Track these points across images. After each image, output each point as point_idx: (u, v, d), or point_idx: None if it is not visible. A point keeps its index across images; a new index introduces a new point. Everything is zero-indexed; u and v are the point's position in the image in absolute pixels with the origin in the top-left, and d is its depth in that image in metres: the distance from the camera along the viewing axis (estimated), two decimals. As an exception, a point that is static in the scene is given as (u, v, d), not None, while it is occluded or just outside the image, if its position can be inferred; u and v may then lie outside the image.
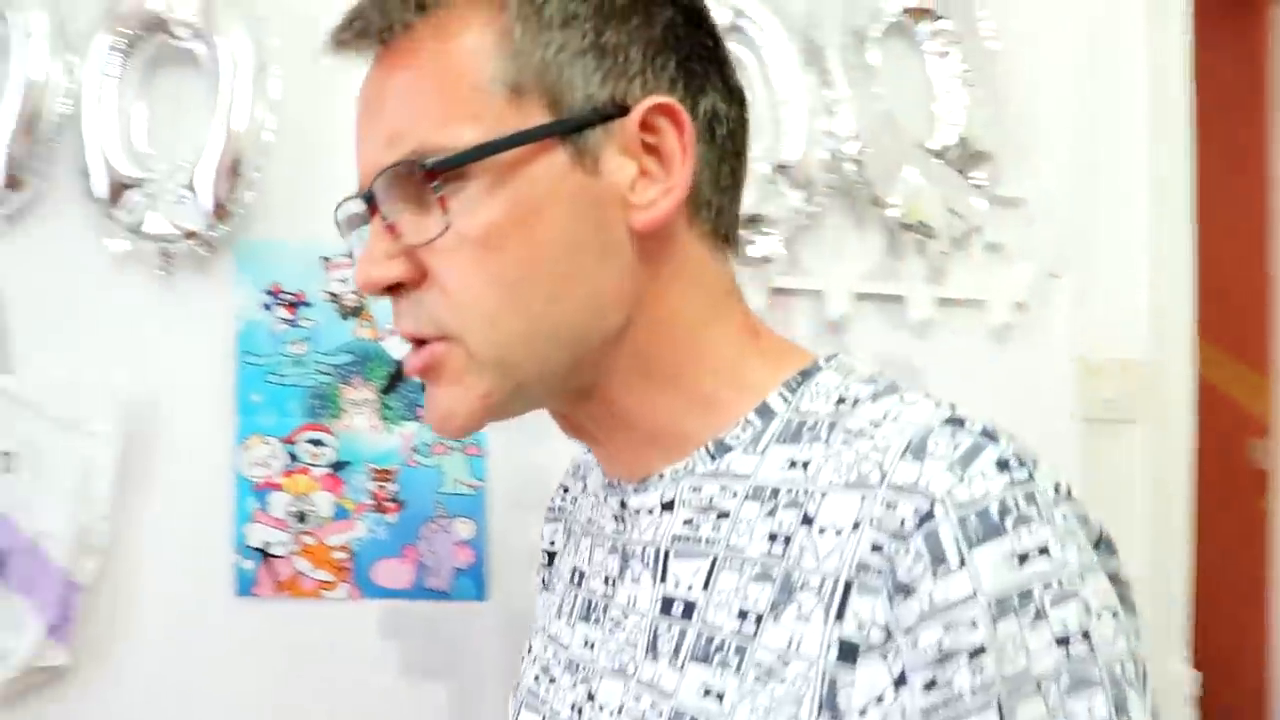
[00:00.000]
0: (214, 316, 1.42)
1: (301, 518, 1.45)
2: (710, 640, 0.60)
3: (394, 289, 0.64)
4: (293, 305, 1.46)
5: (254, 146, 1.38)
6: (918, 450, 0.56)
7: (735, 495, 0.63)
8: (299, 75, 1.36)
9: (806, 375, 0.66)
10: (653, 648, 0.63)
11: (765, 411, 0.65)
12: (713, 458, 0.65)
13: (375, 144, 0.63)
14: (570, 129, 0.61)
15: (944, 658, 0.51)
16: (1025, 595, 0.51)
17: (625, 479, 0.70)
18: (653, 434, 0.67)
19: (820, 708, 0.54)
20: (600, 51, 0.61)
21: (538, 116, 0.61)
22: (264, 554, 1.43)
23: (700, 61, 0.65)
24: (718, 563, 0.62)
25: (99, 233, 1.37)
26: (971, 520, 0.53)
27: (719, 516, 0.63)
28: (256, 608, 1.41)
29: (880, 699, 0.53)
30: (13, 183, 1.35)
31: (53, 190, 1.36)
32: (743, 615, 0.59)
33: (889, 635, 0.53)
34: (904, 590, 0.53)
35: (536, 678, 0.75)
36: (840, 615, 0.55)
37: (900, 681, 0.52)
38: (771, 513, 0.60)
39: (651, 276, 0.64)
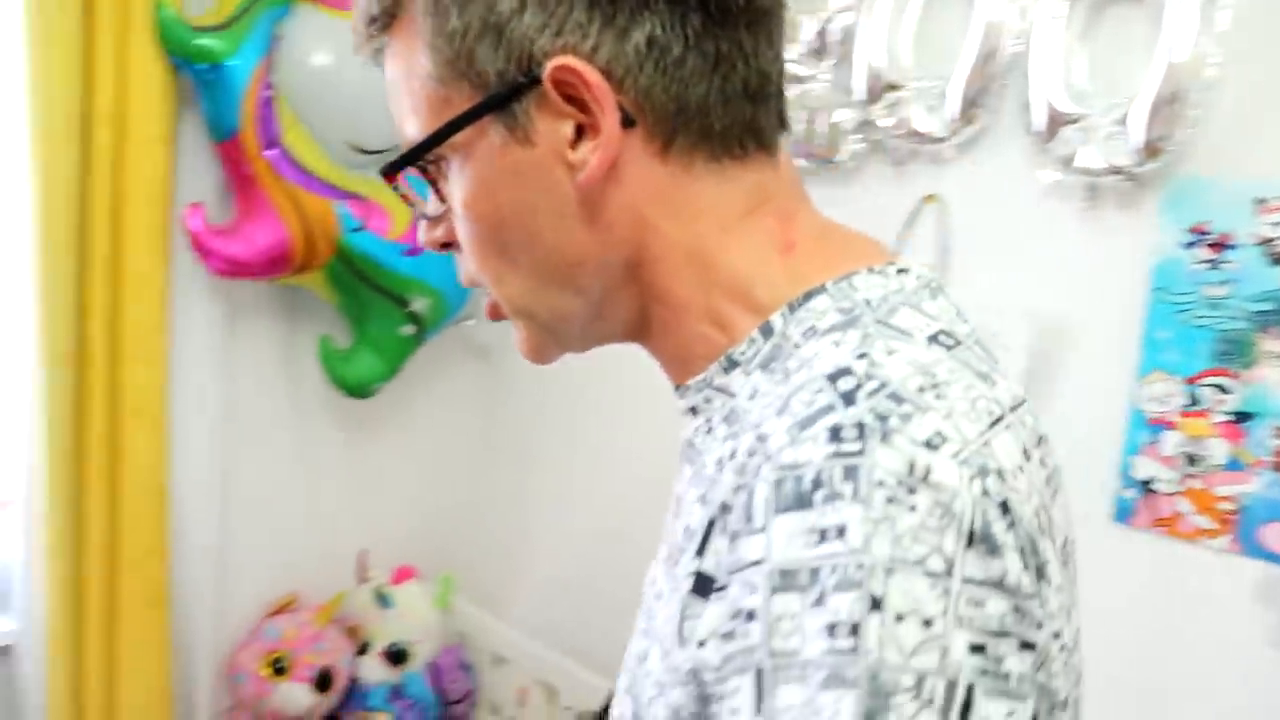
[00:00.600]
0: (1131, 251, 1.43)
1: (1191, 460, 1.44)
2: (674, 545, 0.63)
3: (448, 246, 0.70)
4: (1216, 246, 1.39)
5: (1195, 81, 1.32)
6: (785, 403, 0.55)
7: (720, 411, 0.63)
8: (1250, 5, 1.25)
9: (808, 296, 0.61)
10: (665, 536, 0.67)
11: (767, 331, 0.62)
12: (725, 371, 0.64)
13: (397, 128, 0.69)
14: (491, 107, 0.61)
15: (734, 613, 0.51)
16: (813, 574, 0.48)
17: (675, 387, 0.70)
18: (682, 355, 0.66)
19: (675, 631, 0.55)
20: (497, 27, 0.60)
21: (464, 103, 0.62)
22: (1146, 488, 1.46)
23: None
24: (695, 474, 0.64)
25: (1033, 164, 1.47)
26: (786, 485, 0.50)
27: (708, 432, 0.64)
28: (1129, 537, 1.47)
29: (720, 636, 0.52)
30: (965, 116, 1.50)
31: (996, 124, 1.49)
32: (686, 530, 0.60)
33: (727, 579, 0.52)
34: (733, 538, 0.52)
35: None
36: (700, 550, 0.55)
37: (726, 631, 0.51)
38: (727, 437, 0.61)
39: (636, 220, 0.63)
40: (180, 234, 2.01)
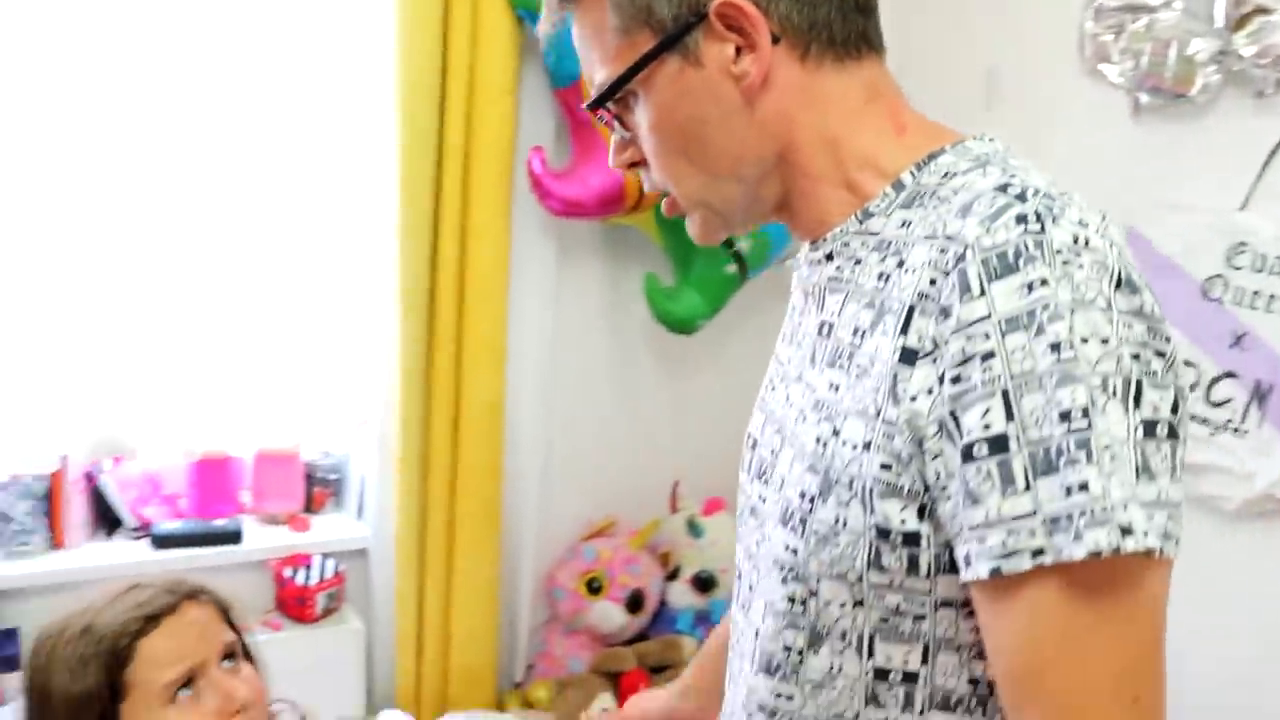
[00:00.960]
0: None
1: None
2: (837, 350, 0.81)
3: (635, 165, 0.89)
4: None
5: None
6: (965, 209, 0.73)
7: (866, 246, 0.81)
8: None
9: (932, 157, 0.81)
10: (812, 359, 0.85)
11: (898, 185, 0.81)
12: (860, 221, 0.82)
13: (588, 77, 0.87)
14: (669, 44, 0.80)
15: (965, 360, 0.69)
16: (1030, 314, 0.67)
17: (809, 243, 0.88)
18: (819, 218, 0.85)
19: (888, 394, 0.74)
20: None
21: (646, 44, 0.80)
22: None
23: None
24: (848, 296, 0.82)
25: None
26: (992, 260, 0.69)
27: (855, 263, 0.82)
28: None
29: (929, 391, 0.71)
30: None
31: None
32: (855, 331, 0.79)
33: (935, 345, 0.71)
34: (944, 312, 0.71)
35: (767, 386, 0.95)
36: (904, 330, 0.73)
37: (941, 379, 0.70)
38: (883, 259, 0.79)
39: (782, 115, 0.82)
40: (520, 179, 2.10)
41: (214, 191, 2.13)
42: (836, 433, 0.78)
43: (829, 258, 0.85)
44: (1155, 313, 0.70)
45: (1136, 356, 0.68)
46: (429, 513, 2.23)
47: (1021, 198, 0.72)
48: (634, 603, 2.38)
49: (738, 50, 0.79)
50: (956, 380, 0.70)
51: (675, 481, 2.54)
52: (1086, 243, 0.69)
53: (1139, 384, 0.67)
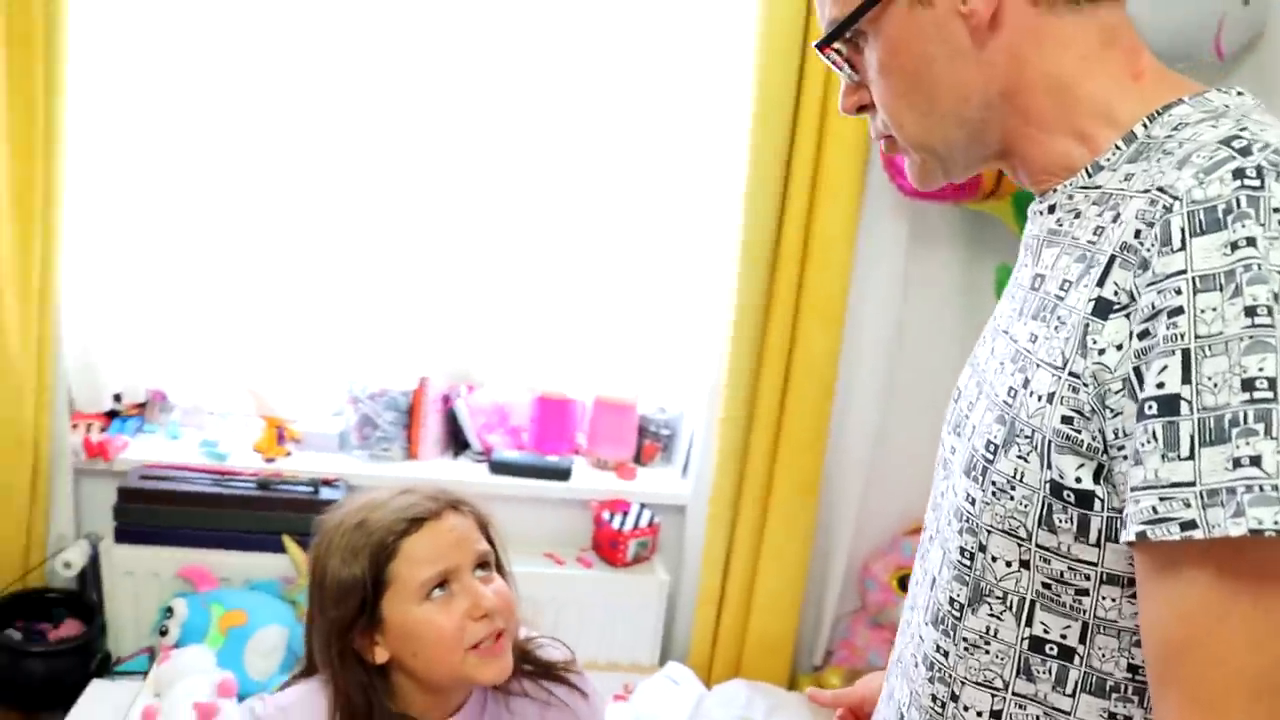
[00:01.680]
0: None
1: None
2: (1043, 303, 0.79)
3: (863, 109, 0.88)
4: None
5: None
6: (1183, 161, 0.70)
7: (1087, 199, 0.79)
8: None
9: (1167, 108, 0.77)
10: (1020, 311, 0.82)
11: (1130, 138, 0.78)
12: (1089, 174, 0.80)
13: (820, 17, 0.87)
14: None
15: (1154, 315, 0.67)
16: (1229, 274, 0.64)
17: (1038, 194, 0.86)
18: (1045, 166, 0.83)
19: (1077, 345, 0.72)
20: None
21: None
22: None
23: None
24: (1063, 249, 0.79)
25: None
26: (1199, 214, 0.66)
27: (1075, 216, 0.80)
28: None
29: (1119, 346, 0.69)
30: None
31: None
32: (1062, 285, 0.77)
33: (1132, 298, 0.69)
34: (1144, 265, 0.69)
35: (980, 341, 0.92)
36: (1102, 282, 0.72)
37: (1131, 335, 0.69)
38: (1101, 213, 0.76)
39: (1011, 56, 0.80)
40: (875, 157, 2.03)
41: (575, 157, 2.25)
42: (1027, 383, 0.77)
43: (1051, 210, 0.83)
44: None
45: None
46: (746, 477, 2.24)
47: (1246, 151, 0.68)
48: (947, 608, 2.24)
49: None
50: (1144, 335, 0.68)
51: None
52: None
53: None
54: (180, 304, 2.25)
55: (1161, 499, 0.66)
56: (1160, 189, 0.70)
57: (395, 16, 2.13)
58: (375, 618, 1.25)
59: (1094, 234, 0.76)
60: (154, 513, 2.13)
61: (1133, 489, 0.67)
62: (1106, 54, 0.80)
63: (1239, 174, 0.66)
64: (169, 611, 2.06)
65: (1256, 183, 0.65)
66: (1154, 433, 0.66)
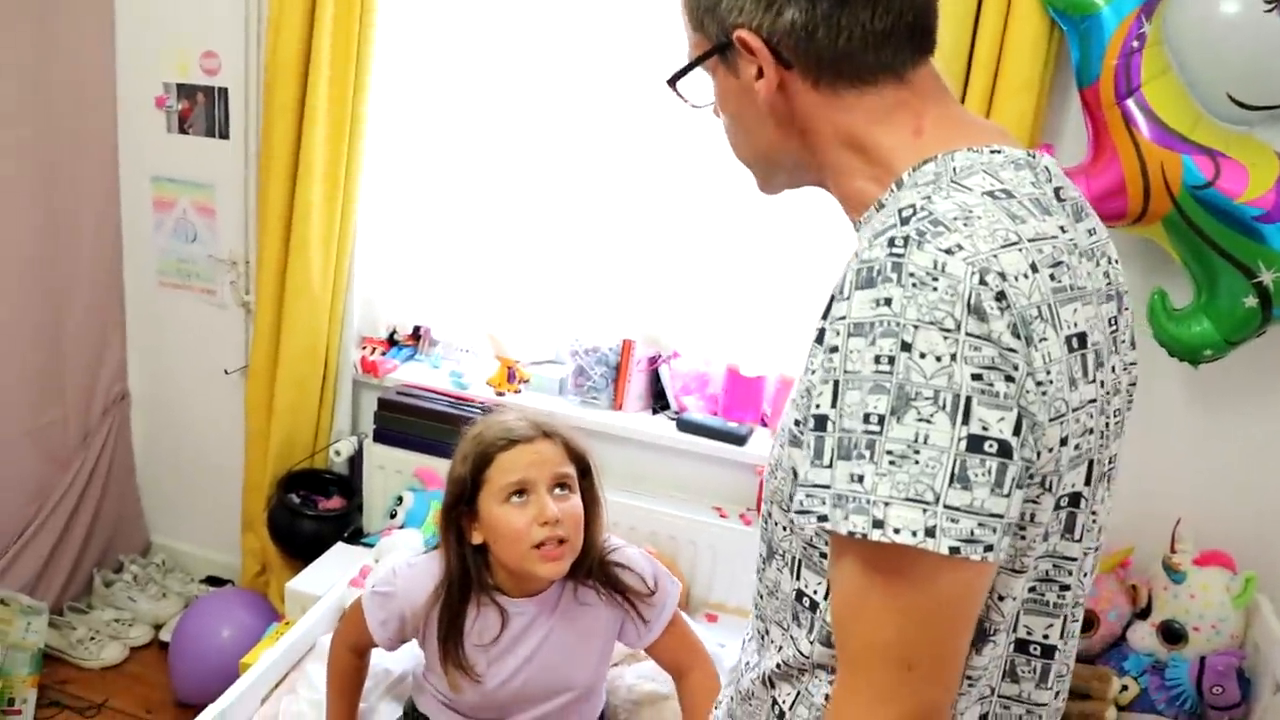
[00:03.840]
0: None
1: None
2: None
3: None
4: None
5: None
6: (880, 221, 0.86)
7: (864, 238, 0.88)
8: None
9: (924, 163, 0.89)
10: None
11: (899, 183, 0.90)
12: (877, 210, 0.91)
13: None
14: (714, 53, 0.95)
15: (830, 348, 0.80)
16: (871, 325, 0.77)
17: (852, 223, 0.99)
18: (853, 201, 0.96)
19: (806, 363, 0.89)
20: (711, 8, 0.94)
21: (705, 46, 0.96)
22: None
23: None
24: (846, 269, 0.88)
25: None
26: (863, 271, 0.80)
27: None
28: None
29: (813, 371, 0.85)
30: None
31: None
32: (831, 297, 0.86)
33: (823, 331, 0.83)
34: (832, 302, 0.83)
35: None
36: (825, 314, 0.85)
37: (819, 360, 0.83)
38: (857, 254, 0.85)
39: (804, 124, 0.94)
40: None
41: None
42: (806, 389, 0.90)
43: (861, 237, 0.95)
44: (1005, 340, 0.77)
45: (978, 377, 0.76)
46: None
47: (906, 221, 0.82)
48: (1085, 622, 2.30)
49: (759, 70, 0.91)
50: (823, 365, 0.82)
51: (1178, 519, 2.36)
52: (944, 269, 0.77)
53: (969, 401, 0.75)
54: (443, 261, 2.78)
55: (807, 495, 0.80)
56: (858, 248, 0.85)
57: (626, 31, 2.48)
58: (473, 507, 1.63)
59: (852, 271, 0.87)
60: (404, 422, 2.66)
61: (796, 483, 0.84)
62: (894, 115, 0.91)
63: (891, 241, 0.80)
64: (399, 500, 2.57)
65: (900, 251, 0.79)
66: (809, 442, 0.81)
